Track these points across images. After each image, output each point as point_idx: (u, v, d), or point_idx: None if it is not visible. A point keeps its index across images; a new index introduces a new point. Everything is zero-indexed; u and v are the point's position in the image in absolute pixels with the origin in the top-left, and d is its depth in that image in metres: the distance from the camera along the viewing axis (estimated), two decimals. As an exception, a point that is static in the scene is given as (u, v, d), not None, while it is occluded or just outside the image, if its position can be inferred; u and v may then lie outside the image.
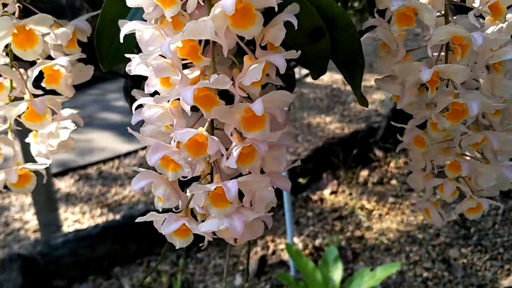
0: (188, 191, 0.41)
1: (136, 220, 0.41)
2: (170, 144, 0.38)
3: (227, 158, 0.37)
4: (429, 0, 0.46)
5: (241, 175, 0.40)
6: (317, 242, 2.05)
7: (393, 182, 2.38)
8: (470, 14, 0.40)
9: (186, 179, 0.40)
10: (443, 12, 0.44)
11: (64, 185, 2.69)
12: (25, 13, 0.44)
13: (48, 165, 0.47)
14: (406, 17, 0.41)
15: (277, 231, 2.12)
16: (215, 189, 0.36)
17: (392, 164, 2.49)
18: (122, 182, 2.60)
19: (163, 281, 1.88)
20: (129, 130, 0.37)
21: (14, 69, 0.43)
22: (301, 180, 2.34)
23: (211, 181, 0.40)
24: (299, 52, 0.38)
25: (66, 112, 0.48)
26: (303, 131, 3.03)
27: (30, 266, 1.81)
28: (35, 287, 1.77)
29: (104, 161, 2.92)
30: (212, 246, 2.06)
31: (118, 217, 2.27)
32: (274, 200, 0.41)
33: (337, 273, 1.70)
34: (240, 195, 0.40)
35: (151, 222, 0.42)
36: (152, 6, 0.35)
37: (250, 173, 0.40)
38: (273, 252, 2.02)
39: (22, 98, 0.44)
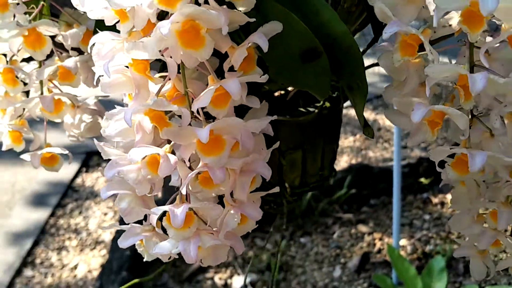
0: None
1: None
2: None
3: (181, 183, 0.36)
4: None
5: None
6: (428, 248, 1.92)
7: (531, 196, 2.13)
8: (482, 49, 0.33)
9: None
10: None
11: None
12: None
13: (66, 151, 0.50)
14: (409, 45, 0.35)
15: (387, 229, 2.03)
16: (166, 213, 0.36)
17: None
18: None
19: (263, 258, 1.91)
20: (95, 142, 0.38)
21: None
22: (423, 180, 2.20)
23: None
24: (265, 76, 0.35)
25: (91, 100, 0.50)
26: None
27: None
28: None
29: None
30: (318, 233, 2.04)
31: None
32: (242, 229, 0.40)
33: (439, 285, 1.59)
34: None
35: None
36: (116, 19, 0.35)
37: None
38: (379, 251, 1.94)
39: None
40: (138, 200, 0.39)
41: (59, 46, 0.46)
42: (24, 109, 0.47)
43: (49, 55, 0.46)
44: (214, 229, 0.39)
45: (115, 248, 1.84)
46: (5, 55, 0.46)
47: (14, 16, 0.43)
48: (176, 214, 0.35)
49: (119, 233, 1.94)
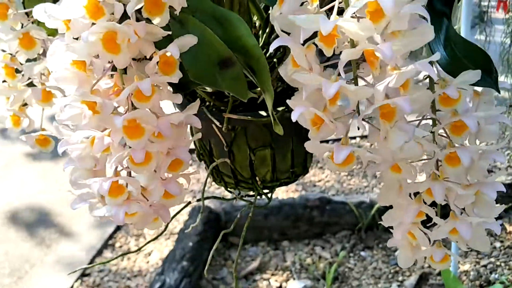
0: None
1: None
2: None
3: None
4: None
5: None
6: (493, 276, 1.84)
7: None
8: (340, 64, 0.38)
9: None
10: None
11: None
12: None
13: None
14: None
15: (452, 252, 1.97)
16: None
17: None
18: (322, 166, 2.70)
19: (319, 266, 1.95)
20: (54, 124, 0.47)
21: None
22: (498, 205, 2.10)
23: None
24: (176, 78, 0.43)
25: None
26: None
27: (213, 219, 2.07)
28: (213, 237, 2.02)
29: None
30: (379, 249, 2.03)
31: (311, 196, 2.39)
32: (171, 202, 0.48)
33: (493, 315, 1.53)
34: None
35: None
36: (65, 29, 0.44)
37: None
38: (439, 273, 1.90)
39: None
40: (89, 173, 0.48)
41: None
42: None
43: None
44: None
45: (180, 238, 1.97)
46: (11, 54, 0.57)
47: (22, 24, 0.54)
48: (102, 186, 0.44)
49: (185, 226, 2.07)
